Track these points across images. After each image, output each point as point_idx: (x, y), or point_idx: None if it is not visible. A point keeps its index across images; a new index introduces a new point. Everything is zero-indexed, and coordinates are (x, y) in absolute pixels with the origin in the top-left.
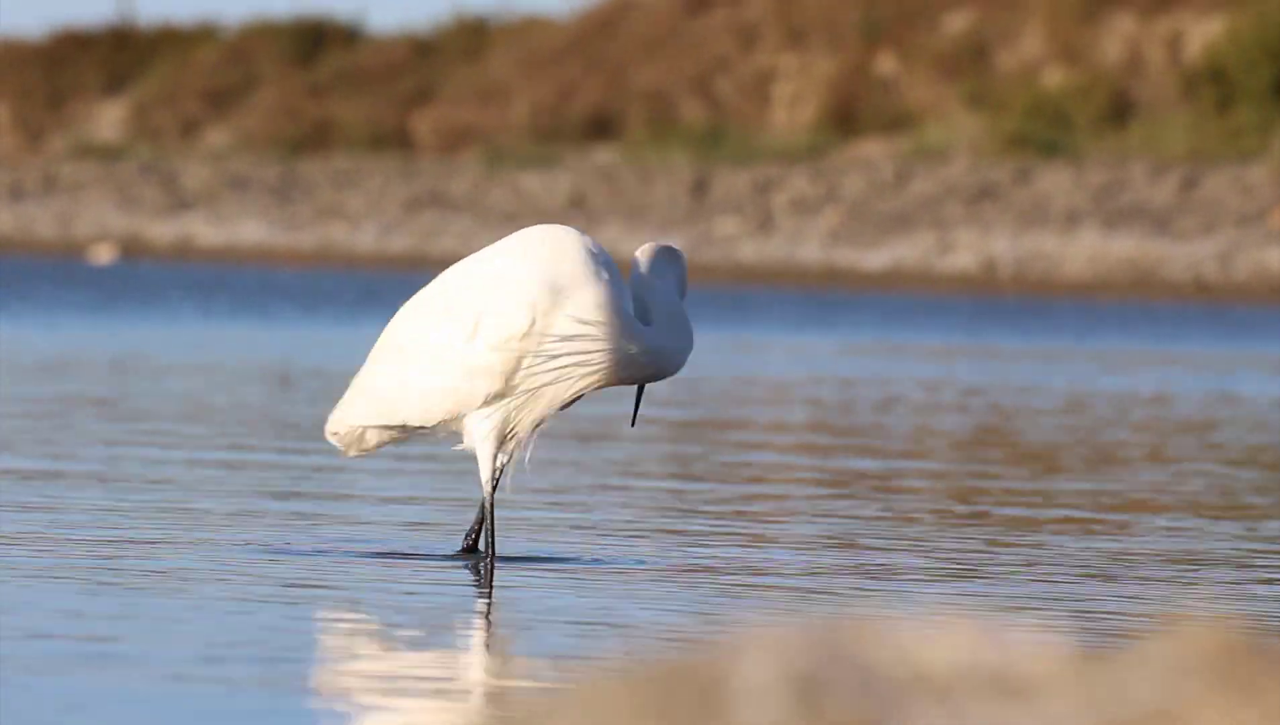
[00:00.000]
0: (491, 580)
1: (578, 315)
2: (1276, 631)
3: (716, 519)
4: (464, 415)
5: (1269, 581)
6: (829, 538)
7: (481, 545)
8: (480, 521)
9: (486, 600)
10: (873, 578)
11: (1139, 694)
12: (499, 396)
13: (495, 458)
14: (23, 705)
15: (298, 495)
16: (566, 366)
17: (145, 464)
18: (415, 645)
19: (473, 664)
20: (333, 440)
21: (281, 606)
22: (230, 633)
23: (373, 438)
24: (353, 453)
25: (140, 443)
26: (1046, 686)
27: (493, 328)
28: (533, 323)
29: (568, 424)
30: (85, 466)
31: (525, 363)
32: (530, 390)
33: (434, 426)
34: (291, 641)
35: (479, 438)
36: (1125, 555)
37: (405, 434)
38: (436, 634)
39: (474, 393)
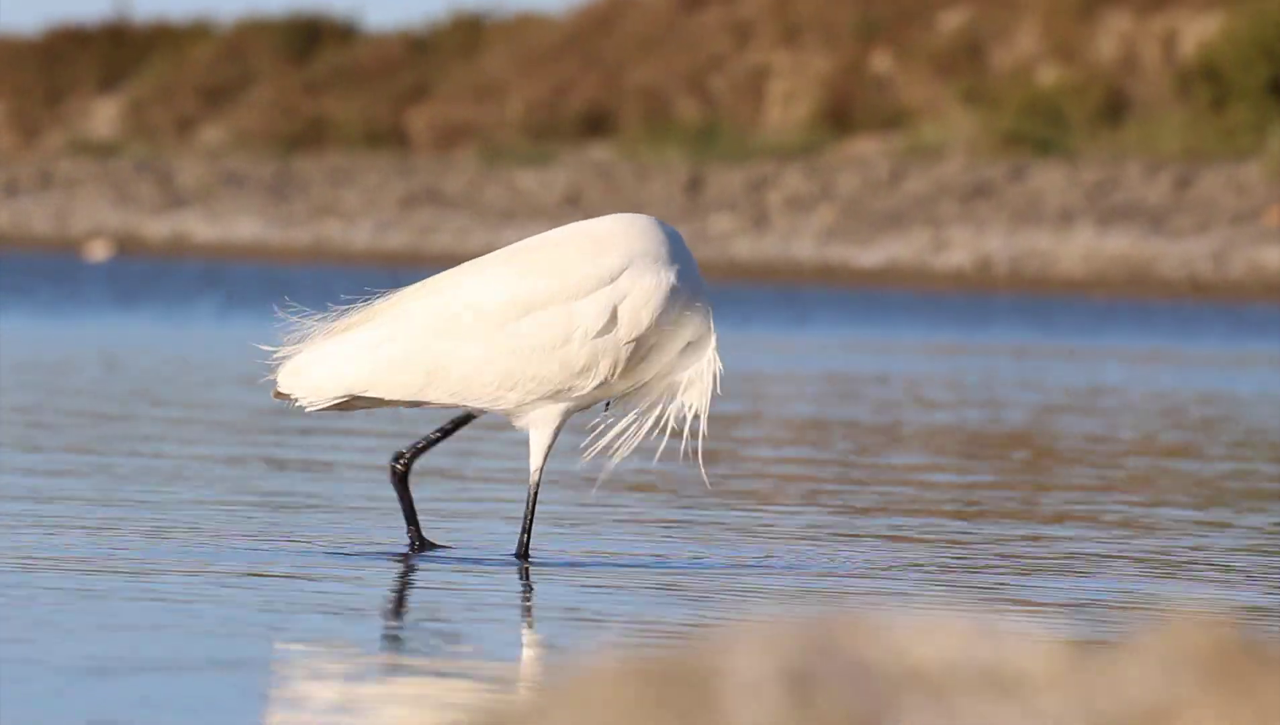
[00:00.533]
0: (527, 575)
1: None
2: (1269, 630)
3: (711, 513)
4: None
5: (1261, 579)
6: (823, 533)
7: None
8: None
9: (484, 592)
10: (866, 574)
11: (1132, 691)
12: (602, 385)
13: (552, 445)
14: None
15: (288, 494)
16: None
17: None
18: (411, 636)
19: (465, 657)
20: (311, 396)
21: (270, 595)
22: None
23: (372, 402)
24: (315, 410)
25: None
26: (1039, 683)
27: (632, 316)
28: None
29: None
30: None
31: (650, 355)
32: (636, 383)
33: (498, 409)
34: (285, 630)
35: (546, 422)
36: (1119, 552)
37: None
38: (434, 625)
39: (585, 380)
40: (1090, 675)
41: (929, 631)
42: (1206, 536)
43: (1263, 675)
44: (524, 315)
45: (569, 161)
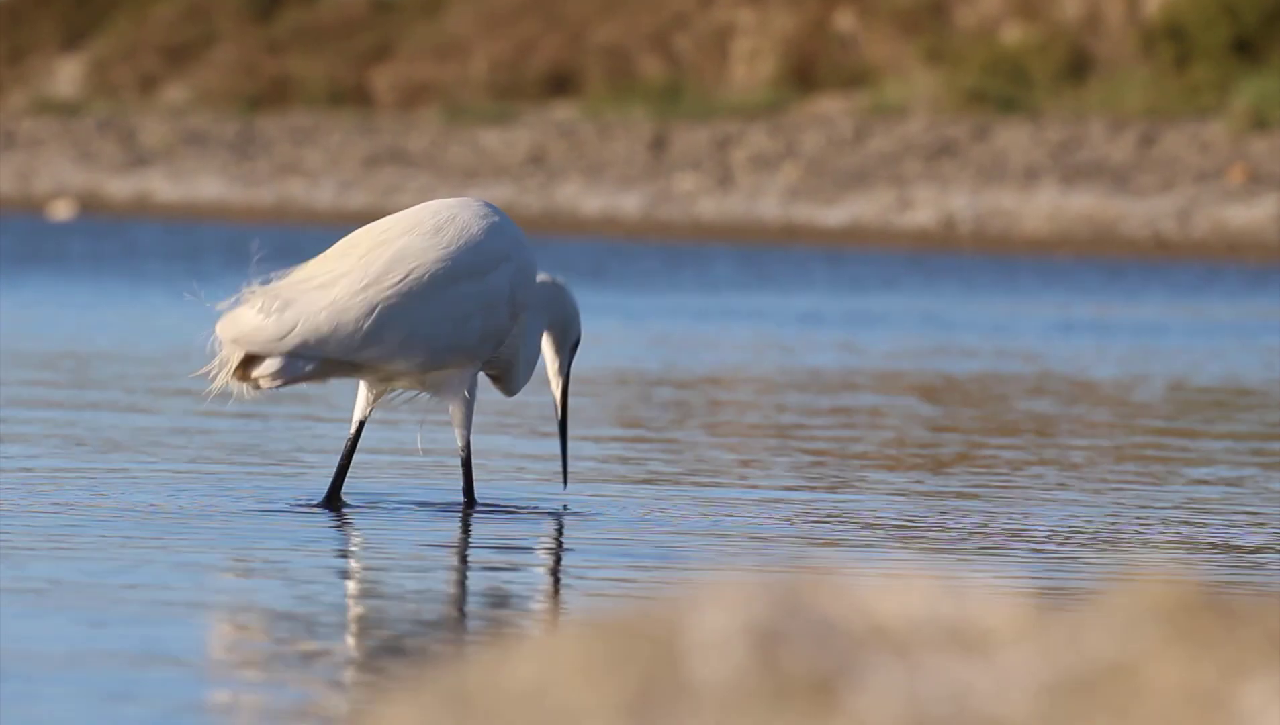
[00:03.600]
0: (468, 526)
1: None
2: (1232, 587)
3: (676, 472)
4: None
5: (1225, 537)
6: (789, 491)
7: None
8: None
9: (449, 548)
10: (832, 531)
11: (1096, 648)
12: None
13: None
14: None
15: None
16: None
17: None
18: (369, 592)
19: (430, 615)
20: (272, 367)
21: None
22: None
23: (324, 373)
24: (272, 386)
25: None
26: (1004, 640)
27: (524, 290)
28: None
29: None
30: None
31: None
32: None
33: (425, 372)
34: (243, 590)
35: (462, 391)
36: (1083, 513)
37: (369, 376)
38: (387, 581)
39: (488, 349)
40: (1055, 632)
41: (894, 589)
42: (1168, 495)
43: (1227, 633)
44: (454, 283)
45: (532, 121)
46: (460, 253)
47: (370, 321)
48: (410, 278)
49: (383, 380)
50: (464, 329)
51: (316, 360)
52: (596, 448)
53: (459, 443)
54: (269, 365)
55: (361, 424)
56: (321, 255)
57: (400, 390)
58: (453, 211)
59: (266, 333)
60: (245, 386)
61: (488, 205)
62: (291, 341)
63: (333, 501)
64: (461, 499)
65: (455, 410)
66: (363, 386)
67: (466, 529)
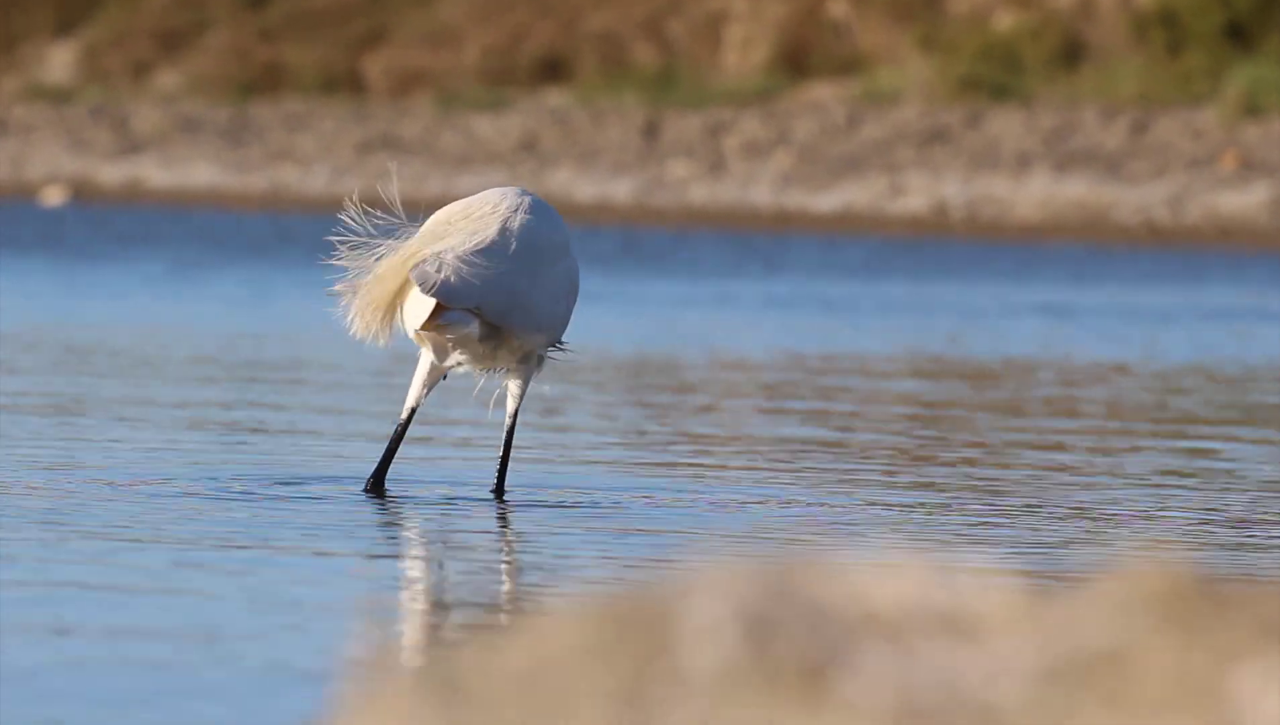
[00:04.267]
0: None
1: None
2: (1226, 574)
3: (667, 457)
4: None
5: (1218, 524)
6: (780, 473)
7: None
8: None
9: (438, 532)
10: (824, 517)
11: (1089, 635)
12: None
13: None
14: None
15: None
16: None
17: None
18: (360, 576)
19: (421, 601)
20: (435, 326)
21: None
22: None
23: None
24: (429, 347)
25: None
26: (996, 626)
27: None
28: None
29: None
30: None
31: None
32: None
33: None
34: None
35: (530, 369)
36: (1077, 499)
37: (497, 345)
38: (379, 566)
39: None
40: (1047, 618)
41: (887, 575)
42: (1160, 481)
43: (1219, 619)
44: (563, 259)
45: (525, 108)
46: (560, 235)
47: (526, 291)
48: (541, 252)
49: (490, 353)
50: (565, 306)
51: (480, 321)
52: (590, 436)
53: (512, 417)
54: (449, 316)
55: (414, 411)
56: (419, 233)
57: (463, 369)
58: (533, 198)
59: (454, 292)
60: (426, 332)
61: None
62: (467, 299)
63: (378, 486)
64: (494, 480)
65: (522, 387)
66: (423, 371)
67: (459, 516)
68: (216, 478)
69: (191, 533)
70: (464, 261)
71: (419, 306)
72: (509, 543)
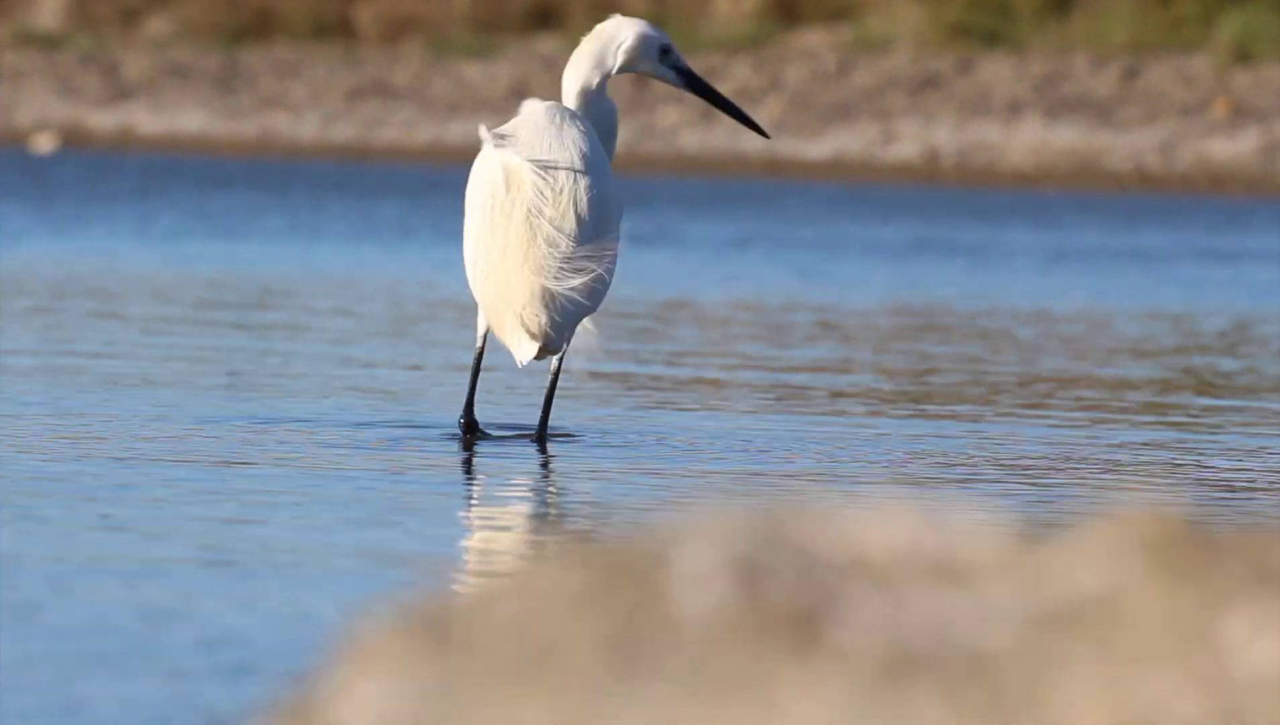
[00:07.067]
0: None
1: None
2: (1216, 520)
3: (657, 399)
4: None
5: (1207, 470)
6: (770, 422)
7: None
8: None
9: (432, 478)
10: (815, 463)
11: (1079, 580)
12: None
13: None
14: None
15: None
16: None
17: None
18: (365, 522)
19: (410, 544)
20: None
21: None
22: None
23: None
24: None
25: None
26: (987, 572)
27: None
28: None
29: None
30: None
31: None
32: None
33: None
34: (256, 520)
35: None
36: (1068, 444)
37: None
38: (382, 510)
39: None
40: (1038, 564)
41: (877, 521)
42: (1152, 428)
43: (1210, 565)
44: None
45: (515, 54)
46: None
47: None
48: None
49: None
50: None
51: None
52: (579, 381)
53: (559, 361)
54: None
55: (486, 336)
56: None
57: None
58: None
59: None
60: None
61: None
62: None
63: (470, 423)
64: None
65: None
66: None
67: (456, 461)
68: (217, 419)
69: (206, 462)
70: (569, 301)
71: (524, 349)
72: (495, 488)
